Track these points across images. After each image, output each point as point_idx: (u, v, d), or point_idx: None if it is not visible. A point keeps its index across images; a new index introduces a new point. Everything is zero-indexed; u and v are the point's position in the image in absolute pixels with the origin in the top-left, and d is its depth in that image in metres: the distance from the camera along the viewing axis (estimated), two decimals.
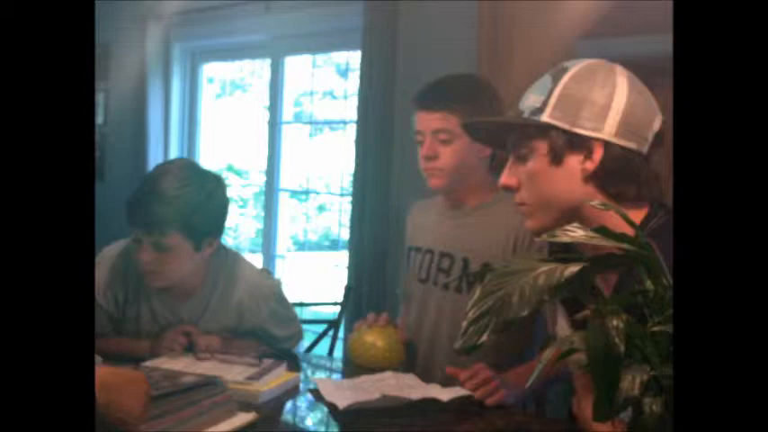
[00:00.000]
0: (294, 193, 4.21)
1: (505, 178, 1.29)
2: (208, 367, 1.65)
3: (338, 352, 2.69)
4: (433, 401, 1.53)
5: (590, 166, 1.20)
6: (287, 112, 3.87)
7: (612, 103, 1.19)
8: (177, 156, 4.03)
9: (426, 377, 1.71)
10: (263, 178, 3.87)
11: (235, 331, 1.87)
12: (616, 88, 1.20)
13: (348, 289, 2.95)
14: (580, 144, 1.20)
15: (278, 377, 1.64)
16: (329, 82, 4.36)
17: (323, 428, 1.56)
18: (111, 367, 1.34)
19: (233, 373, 1.61)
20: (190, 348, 1.76)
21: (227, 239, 4.31)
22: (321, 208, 4.83)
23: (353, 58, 3.47)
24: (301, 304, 2.80)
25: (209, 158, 4.12)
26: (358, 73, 3.16)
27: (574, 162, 1.21)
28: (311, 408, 1.62)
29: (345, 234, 3.34)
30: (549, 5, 2.51)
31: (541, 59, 1.96)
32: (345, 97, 3.83)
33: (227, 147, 4.39)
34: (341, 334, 2.74)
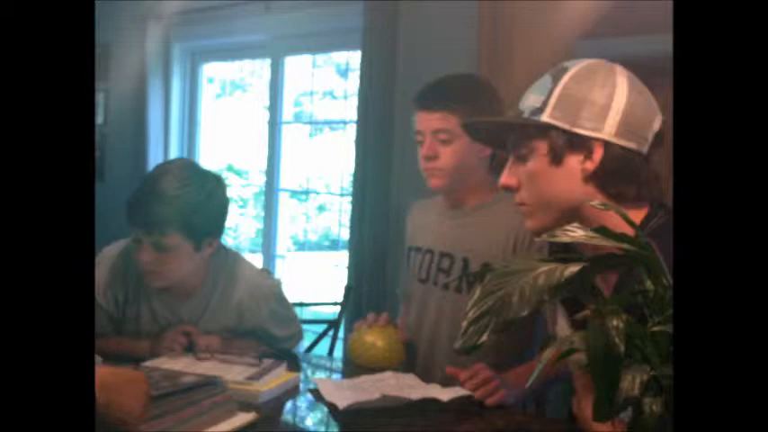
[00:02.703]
0: (294, 193, 4.21)
1: (505, 178, 1.29)
2: (208, 367, 1.65)
3: (338, 352, 2.69)
4: (433, 401, 1.53)
5: (590, 166, 1.20)
6: (287, 112, 3.87)
7: (612, 103, 1.19)
8: (177, 156, 4.03)
9: (426, 377, 1.71)
10: (263, 178, 3.87)
11: (235, 331, 1.87)
12: (616, 88, 1.20)
13: (348, 289, 2.95)
14: (580, 144, 1.20)
15: (278, 377, 1.65)
16: (329, 82, 4.36)
17: (323, 428, 1.56)
18: (111, 367, 1.34)
19: (233, 373, 1.61)
20: (190, 348, 1.76)
21: (227, 239, 4.31)
22: (321, 208, 4.82)
23: (353, 58, 3.47)
24: (301, 304, 2.80)
25: (209, 158, 4.12)
26: (358, 73, 3.16)
27: (574, 162, 1.21)
28: (311, 408, 1.62)
29: (345, 234, 3.34)
30: (549, 5, 2.51)
31: (541, 59, 1.96)
32: (345, 97, 3.83)
33: (227, 147, 4.38)
34: (341, 334, 2.74)
